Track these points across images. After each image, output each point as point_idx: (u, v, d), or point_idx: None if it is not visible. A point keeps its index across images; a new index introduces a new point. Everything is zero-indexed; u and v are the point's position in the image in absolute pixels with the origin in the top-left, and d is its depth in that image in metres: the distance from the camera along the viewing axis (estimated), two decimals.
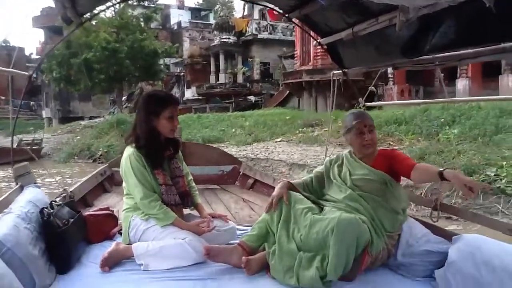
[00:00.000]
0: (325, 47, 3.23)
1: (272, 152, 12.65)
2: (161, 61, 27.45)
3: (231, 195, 4.47)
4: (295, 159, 11.03)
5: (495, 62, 16.78)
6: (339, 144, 10.73)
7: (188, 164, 3.06)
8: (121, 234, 2.81)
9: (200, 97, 32.74)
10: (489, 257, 1.92)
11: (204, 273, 2.34)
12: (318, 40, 3.16)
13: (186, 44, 38.16)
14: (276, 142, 14.69)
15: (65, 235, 2.37)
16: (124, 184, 2.71)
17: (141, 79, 27.23)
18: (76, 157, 15.71)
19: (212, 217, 2.82)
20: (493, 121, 10.28)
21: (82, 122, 21.97)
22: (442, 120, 11.46)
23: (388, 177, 2.45)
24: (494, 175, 7.17)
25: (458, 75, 19.20)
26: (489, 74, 17.76)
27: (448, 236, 2.35)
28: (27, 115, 35.47)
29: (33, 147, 15.66)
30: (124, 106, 30.12)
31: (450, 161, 8.14)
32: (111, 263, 2.40)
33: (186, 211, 2.88)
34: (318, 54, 24.11)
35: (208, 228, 2.63)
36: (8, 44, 40.61)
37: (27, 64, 35.51)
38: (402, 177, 2.52)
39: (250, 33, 32.29)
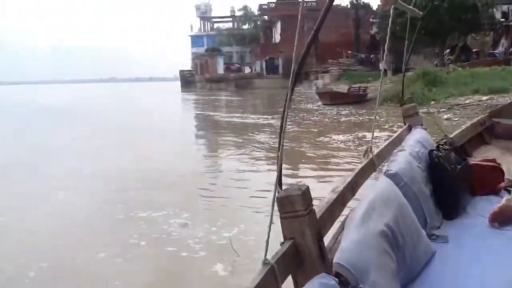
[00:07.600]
0: None
1: None
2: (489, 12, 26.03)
3: None
4: None
5: None
6: None
7: None
8: (508, 191, 2.49)
9: None
10: None
11: None
12: None
13: None
14: None
15: (452, 179, 2.29)
16: None
17: (464, 33, 27.30)
18: (389, 102, 17.55)
19: None
20: None
21: (408, 74, 22.98)
22: None
23: None
24: None
25: None
26: None
27: None
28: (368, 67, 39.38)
29: (360, 93, 22.55)
30: (446, 58, 29.24)
31: None
32: (501, 219, 2.16)
33: None
34: None
35: None
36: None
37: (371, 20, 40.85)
38: None
39: None
